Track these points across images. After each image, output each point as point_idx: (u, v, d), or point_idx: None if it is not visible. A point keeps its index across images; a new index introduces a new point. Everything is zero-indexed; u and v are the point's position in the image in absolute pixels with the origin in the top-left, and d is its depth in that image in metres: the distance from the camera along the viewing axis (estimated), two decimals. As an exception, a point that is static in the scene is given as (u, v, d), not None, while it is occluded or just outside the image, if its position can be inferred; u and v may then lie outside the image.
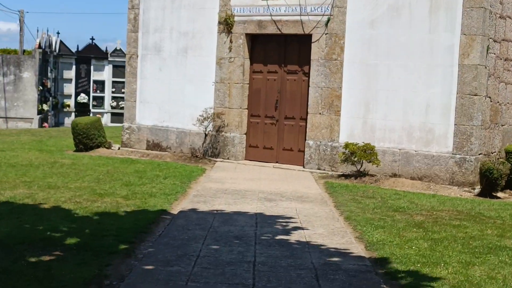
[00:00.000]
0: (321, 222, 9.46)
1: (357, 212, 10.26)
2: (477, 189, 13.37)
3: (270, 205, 10.63)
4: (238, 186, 12.57)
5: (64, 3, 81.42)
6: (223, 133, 16.35)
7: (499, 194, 13.19)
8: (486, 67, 13.80)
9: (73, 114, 34.22)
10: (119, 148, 17.60)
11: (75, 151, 17.13)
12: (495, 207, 11.52)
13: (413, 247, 8.00)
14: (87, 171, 13.58)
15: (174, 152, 16.97)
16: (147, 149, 17.46)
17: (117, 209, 9.57)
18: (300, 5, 15.28)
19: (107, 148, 17.36)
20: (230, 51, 16.26)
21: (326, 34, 15.01)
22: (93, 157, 16.00)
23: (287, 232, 8.66)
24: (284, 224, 9.15)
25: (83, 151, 16.95)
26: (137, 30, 17.67)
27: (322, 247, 7.93)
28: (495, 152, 14.69)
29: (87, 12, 79.76)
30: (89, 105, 34.54)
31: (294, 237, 8.40)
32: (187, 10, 16.85)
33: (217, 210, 9.93)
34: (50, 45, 32.44)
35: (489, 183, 12.90)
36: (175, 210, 9.87)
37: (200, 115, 16.17)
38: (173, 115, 17.13)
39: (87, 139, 17.01)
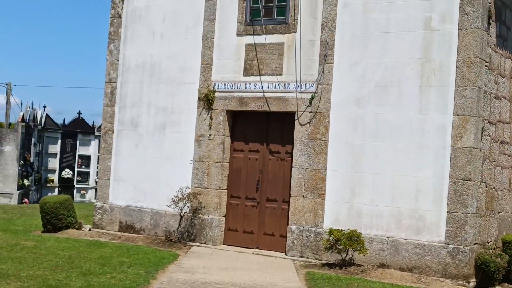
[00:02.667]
0: (294, 325, 8.30)
1: (337, 312, 9.10)
2: (472, 282, 12.24)
3: (240, 302, 9.48)
4: (210, 277, 11.41)
5: (52, 77, 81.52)
6: (200, 215, 15.26)
7: (496, 289, 12.06)
8: (481, 150, 12.85)
9: (56, 189, 33.19)
10: (90, 229, 16.47)
11: (43, 231, 16.03)
12: (492, 306, 10.36)
13: None
14: (48, 256, 12.46)
15: (148, 235, 15.83)
16: (119, 231, 16.32)
17: (62, 307, 8.43)
18: (283, 81, 14.47)
19: (77, 229, 16.24)
20: (210, 128, 15.35)
21: (310, 112, 14.13)
22: (60, 239, 14.87)
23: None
24: (251, 328, 7.98)
25: (51, 232, 15.85)
26: (113, 105, 16.81)
27: None
28: (491, 241, 13.59)
29: (75, 86, 79.62)
30: (73, 180, 33.57)
31: None
32: (166, 84, 16.03)
33: (177, 309, 8.78)
34: (34, 119, 31.66)
35: (485, 277, 11.81)
36: (129, 308, 8.73)
37: (175, 196, 15.10)
38: (148, 194, 16.09)
39: (55, 219, 15.92)
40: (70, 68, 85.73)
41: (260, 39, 14.80)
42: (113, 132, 16.76)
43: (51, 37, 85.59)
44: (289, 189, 14.45)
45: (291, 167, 14.39)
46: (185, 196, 15.05)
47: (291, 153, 14.48)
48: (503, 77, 13.94)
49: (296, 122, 14.29)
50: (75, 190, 33.38)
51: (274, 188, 14.86)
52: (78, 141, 33.89)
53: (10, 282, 9.83)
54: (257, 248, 14.84)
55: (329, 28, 14.00)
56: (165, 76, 16.05)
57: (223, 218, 15.27)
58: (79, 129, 34.01)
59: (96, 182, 32.84)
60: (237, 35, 15.13)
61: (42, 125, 32.59)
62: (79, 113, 34.50)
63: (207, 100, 15.38)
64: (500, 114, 13.84)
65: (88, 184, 34.00)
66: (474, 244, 12.65)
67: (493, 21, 13.24)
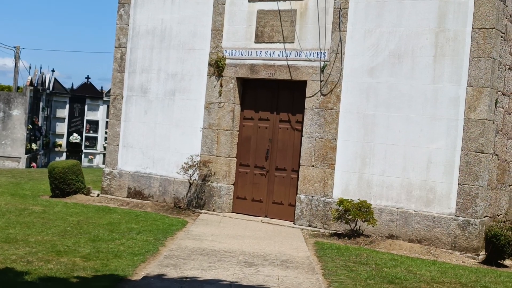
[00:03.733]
0: (304, 296, 8.26)
1: (347, 284, 9.04)
2: (482, 255, 12.17)
3: (249, 272, 9.42)
4: (218, 245, 11.37)
5: (62, 41, 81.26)
6: (209, 182, 15.20)
7: (506, 262, 11.98)
8: (494, 122, 12.70)
9: (64, 154, 33.18)
10: (98, 195, 16.43)
11: (51, 196, 16.00)
12: (502, 279, 10.30)
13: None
14: (56, 221, 12.42)
15: (157, 201, 15.80)
16: (128, 197, 16.30)
17: (71, 274, 8.37)
18: (295, 49, 14.28)
19: (85, 194, 16.20)
20: (220, 95, 15.21)
21: (321, 81, 13.97)
22: (68, 204, 14.85)
23: (263, 309, 7.46)
24: (260, 298, 7.95)
25: (59, 197, 15.82)
26: (123, 70, 16.67)
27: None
28: (501, 214, 13.50)
29: (83, 51, 79.50)
30: (81, 145, 33.53)
31: (269, 316, 7.20)
32: (176, 50, 15.85)
33: (186, 278, 8.72)
34: (43, 83, 31.52)
35: (495, 250, 11.71)
36: (138, 276, 8.67)
37: (185, 163, 15.03)
38: (157, 161, 16.02)
39: (64, 184, 15.87)
40: (79, 33, 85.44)
41: (272, 5, 14.59)
42: (122, 98, 16.65)
43: (60, 0, 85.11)
44: (298, 158, 14.35)
45: (301, 136, 14.28)
46: (195, 163, 14.98)
47: (302, 122, 14.35)
48: (519, 49, 13.72)
49: (307, 90, 14.13)
50: (83, 155, 33.39)
51: (284, 157, 14.76)
52: (86, 106, 33.79)
53: (18, 247, 9.79)
54: (265, 216, 14.80)
55: (342, -5, 13.78)
56: (176, 42, 15.87)
57: (232, 186, 15.21)
58: (87, 94, 33.88)
59: (104, 148, 33.01)
60: (249, 1, 14.92)
61: (51, 89, 32.47)
62: (88, 77, 34.37)
63: (217, 67, 15.22)
64: (514, 86, 13.66)
65: (96, 149, 33.98)
66: (484, 217, 12.56)
67: (510, -9, 12.99)
